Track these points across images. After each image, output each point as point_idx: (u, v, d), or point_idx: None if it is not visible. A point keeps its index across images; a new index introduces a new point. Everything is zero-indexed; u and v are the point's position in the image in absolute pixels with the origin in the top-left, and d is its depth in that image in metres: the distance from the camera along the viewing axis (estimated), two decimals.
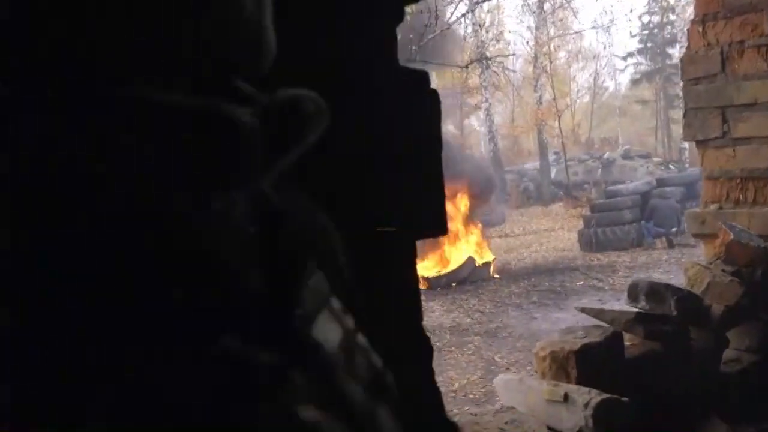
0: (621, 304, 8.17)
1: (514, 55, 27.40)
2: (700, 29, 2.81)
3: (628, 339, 2.14)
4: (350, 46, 0.95)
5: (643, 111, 36.02)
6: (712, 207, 2.84)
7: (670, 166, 23.07)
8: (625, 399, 1.85)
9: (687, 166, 22.20)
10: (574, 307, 2.25)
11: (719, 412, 2.22)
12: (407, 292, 1.05)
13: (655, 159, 24.92)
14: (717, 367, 2.39)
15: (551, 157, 26.61)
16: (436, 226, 1.06)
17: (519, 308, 9.95)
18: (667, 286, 2.21)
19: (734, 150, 2.76)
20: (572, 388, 1.84)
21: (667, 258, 12.70)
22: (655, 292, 2.18)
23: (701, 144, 2.87)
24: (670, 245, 13.92)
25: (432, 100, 1.04)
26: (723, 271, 2.46)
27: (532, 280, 11.83)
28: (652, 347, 2.12)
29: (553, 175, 25.85)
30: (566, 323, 8.89)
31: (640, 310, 2.09)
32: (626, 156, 24.07)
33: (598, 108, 37.59)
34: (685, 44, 2.74)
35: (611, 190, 16.20)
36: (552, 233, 18.82)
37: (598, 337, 1.96)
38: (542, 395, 1.88)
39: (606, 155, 24.93)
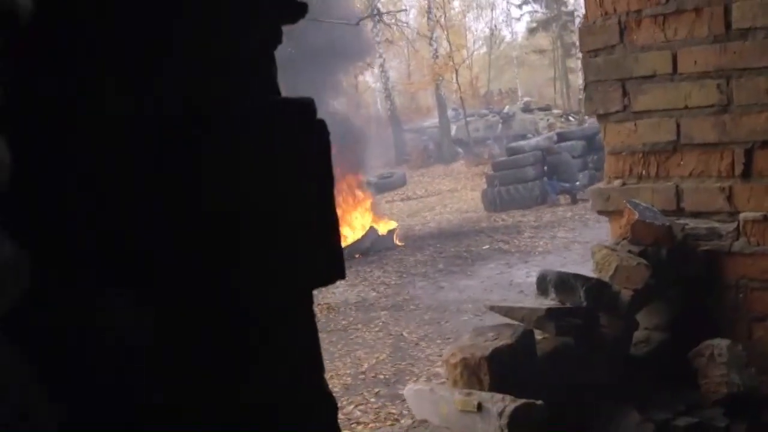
0: (528, 267, 8.42)
1: (406, 10, 27.37)
2: None
3: (539, 334, 2.17)
4: (211, 72, 0.87)
5: (541, 60, 36.90)
6: (616, 183, 2.92)
7: (570, 118, 23.84)
8: (539, 402, 1.87)
9: (586, 117, 22.95)
10: (484, 305, 2.26)
11: (632, 399, 2.30)
12: (307, 348, 1.00)
13: (555, 111, 25.69)
14: (627, 351, 2.47)
15: (450, 114, 26.95)
16: (333, 274, 1.01)
17: (425, 278, 10.10)
18: (576, 276, 2.25)
19: (635, 124, 2.83)
20: (485, 397, 1.85)
21: (572, 215, 13.19)
22: (564, 282, 2.22)
23: (602, 118, 2.92)
24: (574, 201, 14.45)
25: (319, 134, 0.98)
26: (630, 252, 2.53)
27: (438, 246, 12.03)
28: (563, 341, 2.16)
29: (453, 132, 26.23)
30: (473, 291, 9.11)
31: (551, 305, 2.12)
32: (526, 109, 24.69)
33: (495, 59, 38.27)
34: None
35: (513, 146, 16.59)
36: (455, 194, 19.19)
37: (509, 338, 1.97)
38: (455, 405, 1.88)
39: (506, 109, 25.49)
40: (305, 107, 0.97)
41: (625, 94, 2.83)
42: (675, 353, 2.56)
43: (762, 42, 2.53)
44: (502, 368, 1.93)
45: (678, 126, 2.74)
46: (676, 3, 2.68)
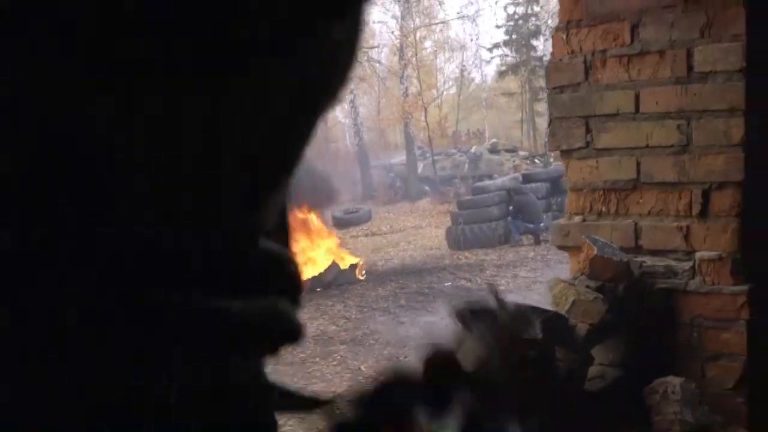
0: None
1: (378, 46, 27.70)
2: (564, 36, 2.90)
3: None
4: None
5: (509, 103, 37.49)
6: (576, 219, 2.94)
7: (536, 161, 24.15)
8: None
9: (552, 160, 23.30)
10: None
11: None
12: None
13: (521, 153, 26.03)
14: (582, 386, 2.47)
15: (417, 152, 27.16)
16: None
17: (386, 313, 10.04)
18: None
19: (597, 161, 2.86)
20: None
21: (534, 255, 13.27)
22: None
23: (565, 154, 2.95)
24: (537, 241, 14.56)
25: None
26: (587, 287, 2.55)
27: (400, 281, 12.00)
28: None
29: (420, 169, 26.41)
30: (434, 327, 9.07)
31: None
32: (493, 150, 24.97)
33: (464, 100, 38.78)
34: (549, 37, 2.82)
35: (478, 186, 16.73)
36: (419, 231, 19.23)
37: None
38: None
39: (473, 149, 25.75)
40: None
41: (588, 131, 2.87)
42: (630, 390, 2.57)
43: (722, 85, 2.59)
44: None
45: (638, 164, 2.78)
46: (640, 45, 2.74)
